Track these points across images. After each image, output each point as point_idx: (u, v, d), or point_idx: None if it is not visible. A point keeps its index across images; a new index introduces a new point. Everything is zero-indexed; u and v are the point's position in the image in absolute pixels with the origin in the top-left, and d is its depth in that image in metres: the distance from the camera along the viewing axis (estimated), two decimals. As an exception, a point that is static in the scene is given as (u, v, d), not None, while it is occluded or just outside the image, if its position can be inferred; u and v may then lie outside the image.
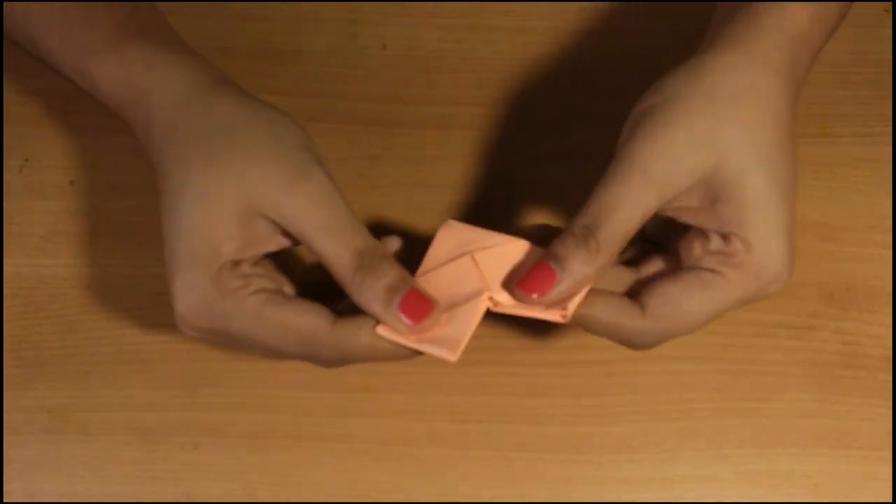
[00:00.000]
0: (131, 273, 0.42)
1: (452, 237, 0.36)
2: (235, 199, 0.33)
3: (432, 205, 0.44)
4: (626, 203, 0.32)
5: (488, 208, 0.43)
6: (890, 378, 0.40)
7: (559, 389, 0.40)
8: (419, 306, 0.33)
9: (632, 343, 0.34)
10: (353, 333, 0.33)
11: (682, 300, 0.32)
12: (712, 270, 0.32)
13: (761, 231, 0.32)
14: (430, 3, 0.50)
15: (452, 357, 0.33)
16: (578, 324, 0.33)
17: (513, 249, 0.35)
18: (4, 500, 0.38)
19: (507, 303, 0.34)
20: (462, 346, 0.33)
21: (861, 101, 0.47)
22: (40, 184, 0.44)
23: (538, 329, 0.41)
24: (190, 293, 0.32)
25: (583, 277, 0.32)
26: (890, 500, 0.38)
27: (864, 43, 0.49)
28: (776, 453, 0.39)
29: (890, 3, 0.50)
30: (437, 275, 0.35)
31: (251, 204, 0.33)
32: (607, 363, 0.40)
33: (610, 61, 0.46)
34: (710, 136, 0.32)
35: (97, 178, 0.44)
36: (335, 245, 0.33)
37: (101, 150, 0.45)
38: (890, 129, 0.46)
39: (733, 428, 0.39)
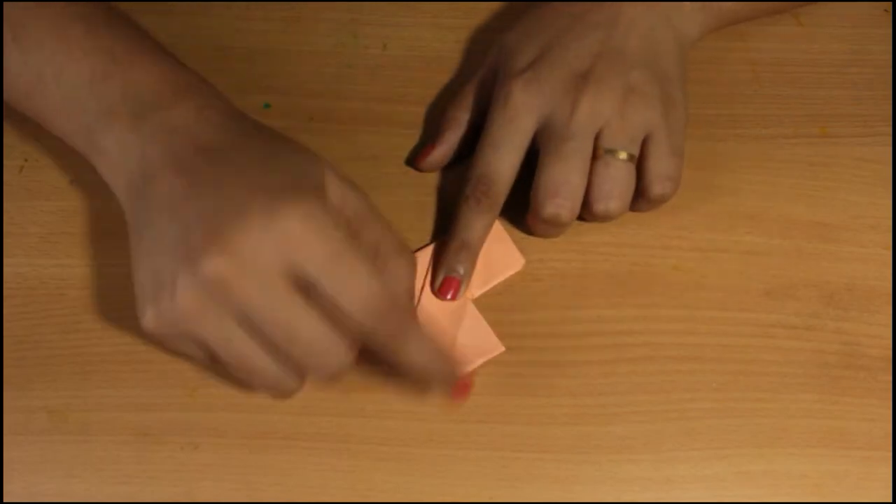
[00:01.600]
0: (131, 273, 0.42)
1: (423, 262, 0.42)
2: None
3: (433, 205, 0.44)
4: None
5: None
6: (890, 378, 0.40)
7: (559, 389, 0.40)
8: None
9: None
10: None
11: None
12: None
13: None
14: (430, 3, 0.50)
15: (501, 348, 0.40)
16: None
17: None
18: (4, 500, 0.38)
19: (477, 290, 0.42)
20: (495, 337, 0.40)
21: (861, 101, 0.47)
22: (40, 184, 0.44)
23: (538, 328, 0.41)
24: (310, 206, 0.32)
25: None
26: (890, 500, 0.38)
27: (864, 43, 0.49)
28: (776, 453, 0.39)
29: (890, 3, 0.50)
30: (427, 307, 0.41)
31: None
32: (607, 363, 0.40)
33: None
34: None
35: (97, 178, 0.44)
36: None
37: (101, 150, 0.45)
38: (890, 129, 0.46)
39: (733, 428, 0.39)
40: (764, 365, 0.40)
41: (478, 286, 0.41)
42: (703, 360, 0.40)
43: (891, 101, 0.47)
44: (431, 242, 0.42)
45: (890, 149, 0.46)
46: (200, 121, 0.35)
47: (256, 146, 0.35)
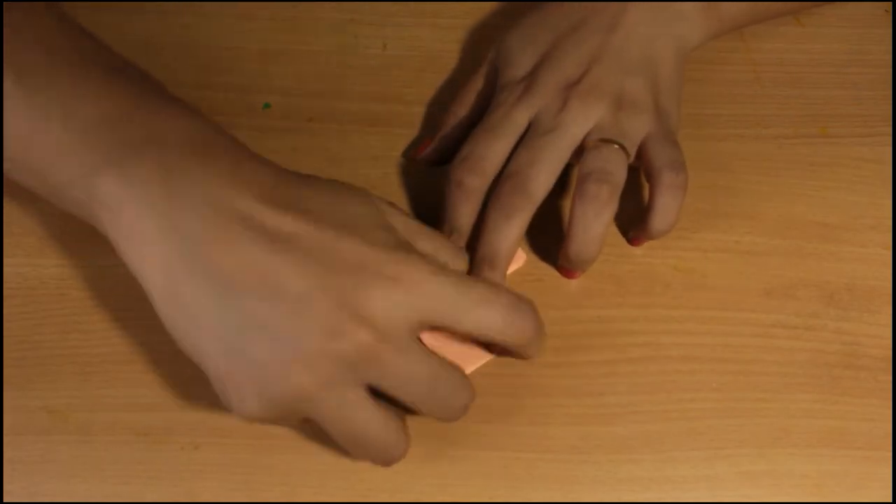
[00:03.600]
0: (131, 273, 0.42)
1: None
2: None
3: (432, 206, 0.44)
4: None
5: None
6: (890, 378, 0.40)
7: (559, 389, 0.40)
8: None
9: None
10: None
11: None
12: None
13: None
14: (430, 3, 0.50)
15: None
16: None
17: None
18: (4, 500, 0.38)
19: None
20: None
21: (861, 101, 0.47)
22: (40, 184, 0.44)
23: (538, 329, 0.41)
24: None
25: None
26: (890, 500, 0.38)
27: (864, 43, 0.49)
28: (776, 453, 0.39)
29: (890, 4, 0.50)
30: None
31: None
32: (607, 363, 0.40)
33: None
34: None
35: (97, 178, 0.44)
36: None
37: (102, 150, 0.45)
38: (890, 129, 0.46)
39: (733, 428, 0.39)
40: (764, 365, 0.40)
41: None
42: (703, 360, 0.40)
43: (891, 101, 0.47)
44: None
45: (890, 149, 0.46)
46: (241, 175, 0.32)
47: (308, 197, 0.33)
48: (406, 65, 0.48)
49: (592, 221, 0.38)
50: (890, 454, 0.39)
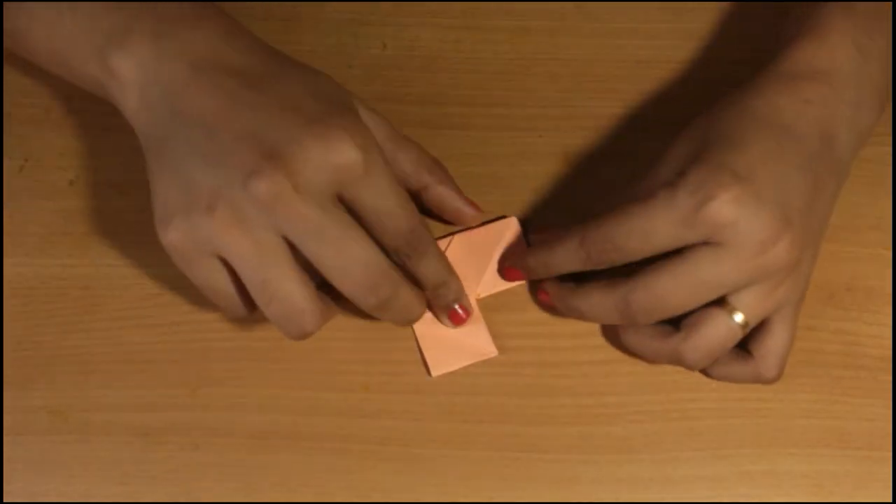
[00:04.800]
0: (131, 273, 0.42)
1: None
2: None
3: (432, 205, 0.44)
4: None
5: (486, 207, 0.43)
6: (890, 378, 0.40)
7: (559, 389, 0.40)
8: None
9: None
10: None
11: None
12: None
13: None
14: (430, 3, 0.50)
15: (494, 352, 0.40)
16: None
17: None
18: (4, 500, 0.38)
19: (485, 292, 0.41)
20: (491, 340, 0.40)
21: (861, 101, 0.47)
22: (40, 184, 0.44)
23: (538, 328, 0.41)
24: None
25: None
26: (890, 500, 0.38)
27: (864, 43, 0.49)
28: (776, 453, 0.39)
29: (890, 4, 0.50)
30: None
31: None
32: (607, 363, 0.40)
33: (608, 61, 0.46)
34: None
35: (97, 178, 0.44)
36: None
37: (101, 149, 0.45)
38: (890, 129, 0.46)
39: (733, 428, 0.39)
40: (764, 365, 0.40)
41: (487, 288, 0.41)
42: (704, 360, 0.40)
43: (891, 102, 0.47)
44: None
45: (890, 149, 0.46)
46: (228, 43, 0.35)
47: (287, 71, 0.36)
48: (406, 65, 0.48)
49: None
50: (890, 454, 0.39)
